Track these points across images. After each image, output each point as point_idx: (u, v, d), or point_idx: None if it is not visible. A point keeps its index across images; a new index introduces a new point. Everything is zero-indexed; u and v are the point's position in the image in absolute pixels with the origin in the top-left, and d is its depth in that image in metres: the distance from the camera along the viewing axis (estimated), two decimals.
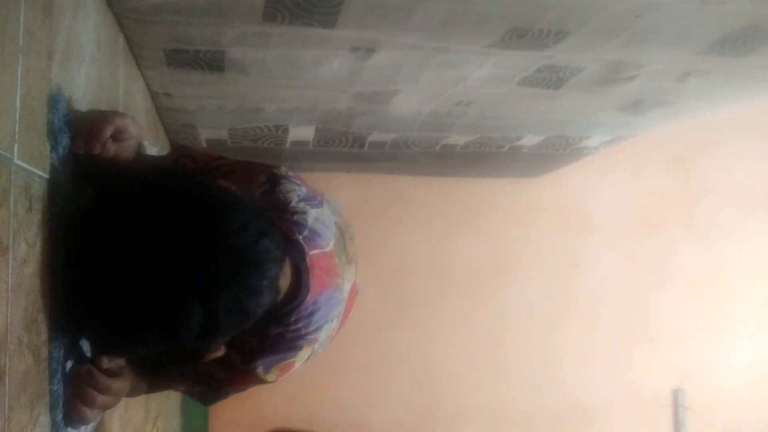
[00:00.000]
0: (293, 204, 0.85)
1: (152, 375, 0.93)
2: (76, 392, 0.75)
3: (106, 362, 0.78)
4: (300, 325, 0.85)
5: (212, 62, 1.23)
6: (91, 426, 0.89)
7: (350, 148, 1.96)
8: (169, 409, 2.01)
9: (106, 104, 0.98)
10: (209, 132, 1.80)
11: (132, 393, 0.90)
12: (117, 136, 0.77)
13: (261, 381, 0.89)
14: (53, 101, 0.70)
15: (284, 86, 1.40)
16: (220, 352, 0.77)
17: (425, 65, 1.29)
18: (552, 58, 1.26)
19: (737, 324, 3.01)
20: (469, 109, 1.63)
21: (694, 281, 2.96)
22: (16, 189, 0.59)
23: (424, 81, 1.38)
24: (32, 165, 0.64)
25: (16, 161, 0.59)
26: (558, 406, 2.84)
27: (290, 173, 0.89)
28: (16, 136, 0.59)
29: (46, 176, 0.68)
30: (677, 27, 1.12)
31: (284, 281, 0.80)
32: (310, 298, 0.84)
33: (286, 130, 1.79)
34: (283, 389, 2.59)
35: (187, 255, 0.64)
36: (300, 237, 0.84)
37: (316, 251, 0.85)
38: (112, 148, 0.76)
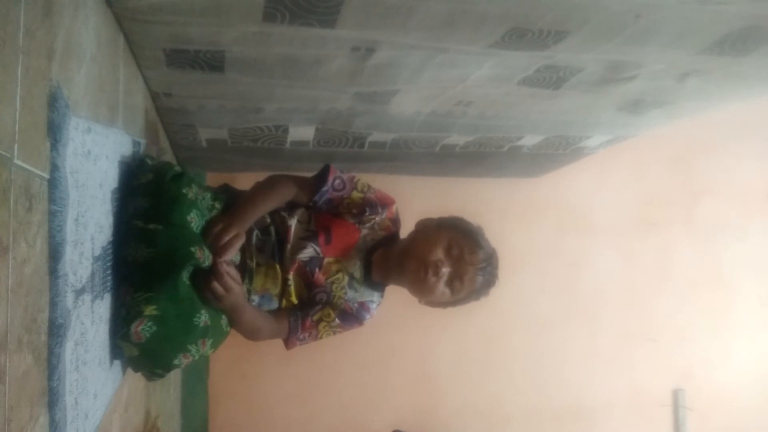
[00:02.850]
0: None
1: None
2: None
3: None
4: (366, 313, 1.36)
5: (212, 62, 1.23)
6: (92, 425, 0.89)
7: (350, 148, 1.96)
8: (169, 410, 2.01)
9: (106, 104, 0.98)
10: (209, 132, 1.80)
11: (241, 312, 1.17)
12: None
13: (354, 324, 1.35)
14: (53, 101, 0.70)
15: (284, 86, 1.40)
16: None
17: (425, 65, 1.29)
18: (552, 59, 1.26)
19: (737, 324, 3.01)
20: (469, 109, 1.63)
21: (694, 281, 2.96)
22: (16, 189, 0.59)
23: (424, 81, 1.38)
24: (32, 165, 0.64)
25: (16, 161, 0.59)
26: (558, 406, 2.84)
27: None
28: (16, 136, 0.59)
29: (46, 176, 0.68)
30: (677, 27, 1.12)
31: None
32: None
33: (286, 130, 1.79)
34: (283, 389, 2.60)
35: None
36: None
37: None
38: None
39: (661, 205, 2.94)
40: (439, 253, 1.28)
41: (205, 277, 1.06)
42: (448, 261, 1.29)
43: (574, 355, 2.86)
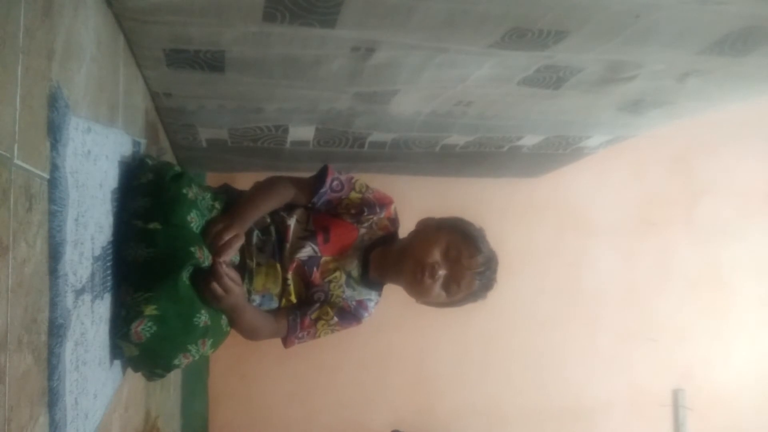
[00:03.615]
0: None
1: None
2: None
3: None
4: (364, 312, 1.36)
5: (212, 62, 1.23)
6: (92, 425, 0.89)
7: (350, 148, 1.96)
8: (169, 410, 2.01)
9: (106, 104, 0.98)
10: (209, 132, 1.80)
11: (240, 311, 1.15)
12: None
13: (352, 321, 1.35)
14: (53, 101, 0.70)
15: (284, 86, 1.40)
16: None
17: (425, 65, 1.29)
18: (552, 59, 1.26)
19: (737, 324, 3.01)
20: (469, 109, 1.63)
21: (694, 281, 2.96)
22: (16, 189, 0.59)
23: (424, 81, 1.38)
24: (32, 165, 0.64)
25: (16, 161, 0.59)
26: (558, 406, 2.84)
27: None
28: (16, 136, 0.59)
29: (46, 176, 0.68)
30: (677, 27, 1.12)
31: None
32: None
33: (286, 130, 1.79)
34: (282, 389, 2.60)
35: None
36: None
37: None
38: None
39: (661, 205, 2.94)
40: (436, 255, 1.28)
41: (204, 278, 1.06)
42: (445, 263, 1.28)
43: (574, 355, 2.86)
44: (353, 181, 1.35)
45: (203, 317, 1.04)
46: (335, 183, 1.33)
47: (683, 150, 2.92)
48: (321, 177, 1.33)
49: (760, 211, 3.00)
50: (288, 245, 1.27)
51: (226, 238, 1.09)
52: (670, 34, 1.14)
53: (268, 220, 1.29)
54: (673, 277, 2.95)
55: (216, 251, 1.07)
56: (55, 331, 0.71)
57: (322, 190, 1.31)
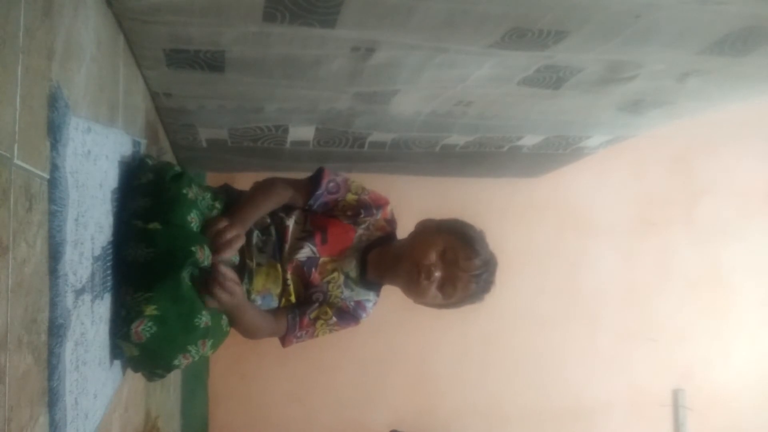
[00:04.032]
0: None
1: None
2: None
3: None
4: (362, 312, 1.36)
5: (212, 62, 1.23)
6: (92, 425, 0.89)
7: (350, 148, 1.96)
8: (169, 410, 2.01)
9: (106, 104, 0.98)
10: (209, 132, 1.80)
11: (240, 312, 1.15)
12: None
13: (351, 321, 1.35)
14: (53, 101, 0.70)
15: (284, 86, 1.40)
16: None
17: (425, 65, 1.29)
18: (552, 59, 1.26)
19: (737, 324, 3.01)
20: (469, 109, 1.63)
21: (694, 281, 2.96)
22: (16, 189, 0.59)
23: (424, 81, 1.38)
24: (32, 165, 0.64)
25: (16, 161, 0.59)
26: (558, 406, 2.84)
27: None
28: (16, 136, 0.59)
29: (46, 176, 0.68)
30: (677, 27, 1.12)
31: None
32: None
33: (286, 130, 1.79)
34: (282, 388, 2.60)
35: None
36: None
37: None
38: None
39: (661, 205, 2.94)
40: (432, 257, 1.28)
41: (205, 278, 1.06)
42: (442, 265, 1.28)
43: (574, 355, 2.86)
44: (349, 182, 1.35)
45: (204, 318, 1.04)
46: (331, 185, 1.33)
47: (683, 150, 2.92)
48: (317, 179, 1.33)
49: (760, 211, 3.00)
50: (287, 246, 1.28)
51: (228, 236, 1.09)
52: (670, 34, 1.14)
53: (268, 220, 1.29)
54: (673, 277, 2.95)
55: (216, 248, 1.07)
56: (55, 331, 0.71)
57: (318, 192, 1.32)
